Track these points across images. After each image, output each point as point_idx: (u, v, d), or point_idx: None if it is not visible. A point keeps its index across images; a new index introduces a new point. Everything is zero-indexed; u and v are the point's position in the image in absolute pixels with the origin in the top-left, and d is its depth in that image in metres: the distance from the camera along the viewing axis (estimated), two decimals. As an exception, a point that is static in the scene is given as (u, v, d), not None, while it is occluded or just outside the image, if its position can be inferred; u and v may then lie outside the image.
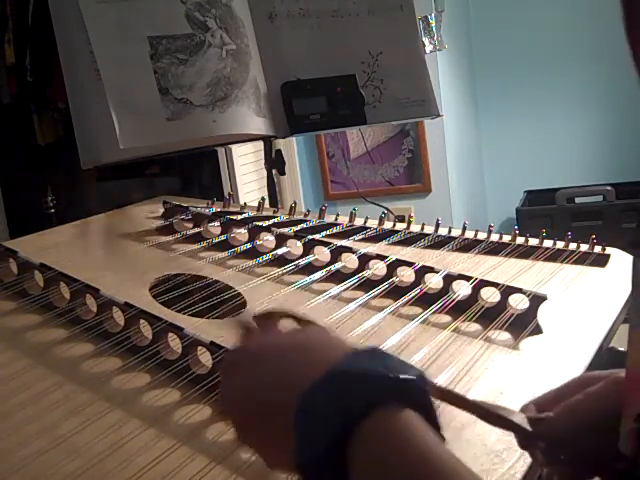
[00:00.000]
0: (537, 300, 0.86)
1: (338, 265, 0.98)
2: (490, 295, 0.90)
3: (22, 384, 0.66)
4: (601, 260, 1.13)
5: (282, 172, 1.56)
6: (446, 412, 0.50)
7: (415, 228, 1.18)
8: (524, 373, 0.76)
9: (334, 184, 3.29)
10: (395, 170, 3.22)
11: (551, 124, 3.73)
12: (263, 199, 1.21)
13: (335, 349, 0.48)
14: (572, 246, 1.16)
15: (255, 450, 0.50)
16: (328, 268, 0.97)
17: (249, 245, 1.03)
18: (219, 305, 0.82)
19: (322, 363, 0.45)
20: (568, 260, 1.12)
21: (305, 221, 1.14)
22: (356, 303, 0.88)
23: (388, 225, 1.18)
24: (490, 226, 1.17)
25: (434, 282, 0.92)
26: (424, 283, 0.92)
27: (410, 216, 1.21)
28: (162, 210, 1.14)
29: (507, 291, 0.89)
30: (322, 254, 1.00)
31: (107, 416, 0.62)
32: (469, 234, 1.17)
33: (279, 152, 1.55)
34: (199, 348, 0.69)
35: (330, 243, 1.01)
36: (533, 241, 1.17)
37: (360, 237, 1.12)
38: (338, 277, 0.95)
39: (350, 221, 1.17)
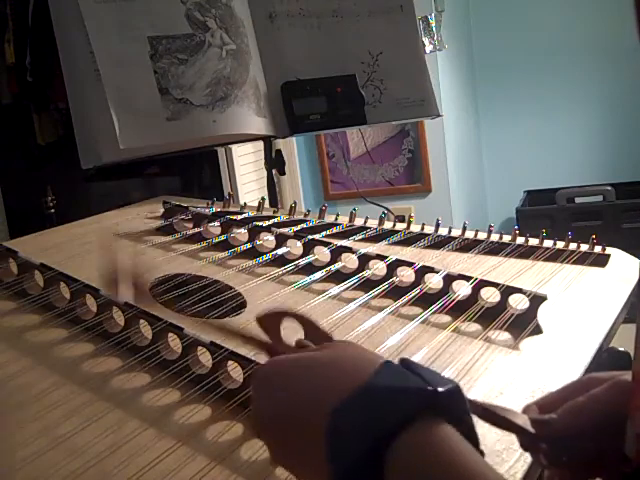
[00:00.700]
0: (537, 300, 0.86)
1: (338, 265, 0.98)
2: (490, 295, 0.90)
3: (22, 384, 0.66)
4: (601, 260, 1.13)
5: (282, 172, 1.56)
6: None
7: (415, 228, 1.18)
8: (524, 373, 0.76)
9: (334, 184, 3.30)
10: (395, 170, 3.22)
11: (551, 124, 3.74)
12: (263, 199, 1.21)
13: (366, 363, 0.47)
14: (572, 246, 1.16)
15: (289, 469, 0.49)
16: (328, 268, 0.97)
17: (249, 245, 1.03)
18: (219, 305, 0.82)
19: (354, 377, 0.44)
20: (568, 260, 1.12)
21: (305, 221, 1.14)
22: (356, 303, 0.88)
23: (388, 225, 1.18)
24: (490, 226, 1.17)
25: (434, 282, 0.92)
26: (424, 283, 0.92)
27: (410, 216, 1.21)
28: (162, 210, 1.14)
29: (507, 291, 0.89)
30: (322, 254, 1.00)
31: (107, 416, 0.62)
32: (469, 234, 1.16)
33: (279, 152, 1.55)
34: (199, 348, 0.69)
35: (330, 243, 1.01)
36: (533, 241, 1.17)
37: (360, 237, 1.12)
38: (338, 277, 0.95)
39: (350, 221, 1.17)
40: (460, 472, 0.39)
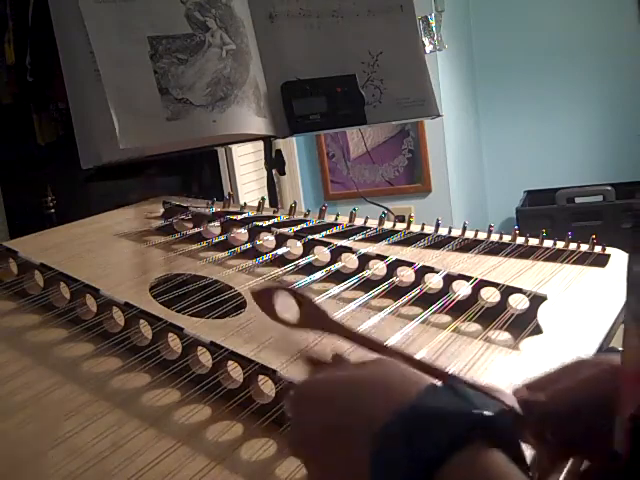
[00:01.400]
0: (537, 300, 0.86)
1: (338, 265, 0.98)
2: (490, 295, 0.90)
3: (22, 384, 0.66)
4: (601, 260, 1.13)
5: (282, 172, 1.56)
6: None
7: (415, 228, 1.18)
8: (524, 373, 0.76)
9: (334, 184, 3.29)
10: (395, 170, 3.22)
11: (551, 124, 3.74)
12: (263, 199, 1.21)
13: (411, 383, 0.45)
14: (572, 246, 1.16)
15: None
16: (328, 268, 0.97)
17: (249, 245, 1.03)
18: (219, 305, 0.82)
19: (399, 398, 0.43)
20: (568, 260, 1.12)
21: (305, 221, 1.14)
22: (356, 303, 0.88)
23: (388, 225, 1.18)
24: (490, 226, 1.17)
25: (434, 282, 0.92)
26: (424, 283, 0.92)
27: (410, 216, 1.21)
28: (162, 210, 1.14)
29: (507, 291, 0.89)
30: (322, 254, 1.00)
31: (107, 416, 0.62)
32: (469, 234, 1.17)
33: (279, 152, 1.55)
34: (199, 348, 0.69)
35: (330, 243, 1.01)
36: (533, 241, 1.17)
37: (360, 237, 1.12)
38: (338, 277, 0.95)
39: (350, 221, 1.17)
40: None
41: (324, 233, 1.10)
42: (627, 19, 3.55)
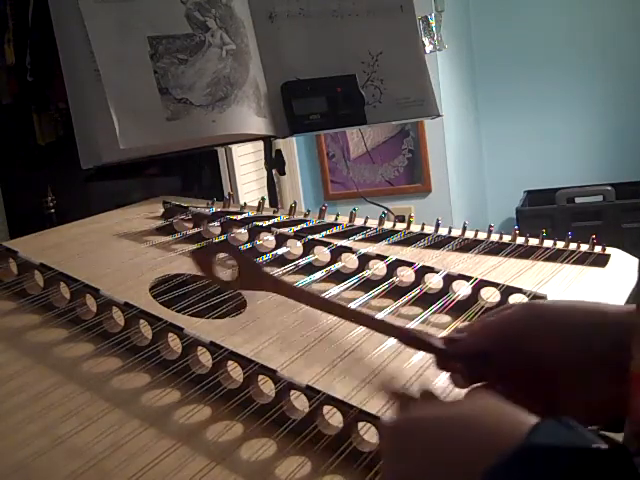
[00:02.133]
0: (537, 300, 0.86)
1: (338, 265, 0.98)
2: (490, 295, 0.90)
3: (22, 384, 0.66)
4: (601, 260, 1.13)
5: (282, 172, 1.56)
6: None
7: (415, 228, 1.18)
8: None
9: (334, 184, 3.29)
10: (395, 170, 3.22)
11: (551, 124, 3.74)
12: (263, 199, 1.21)
13: (515, 420, 0.43)
14: (572, 246, 1.16)
15: None
16: (328, 268, 0.97)
17: (249, 245, 1.03)
18: (219, 305, 0.82)
19: (506, 436, 0.40)
20: (568, 260, 1.12)
21: (305, 221, 1.14)
22: (356, 303, 0.88)
23: (388, 225, 1.18)
24: (490, 226, 1.17)
25: (434, 282, 0.92)
26: (424, 283, 0.92)
27: (410, 216, 1.21)
28: (162, 210, 1.14)
29: (507, 291, 0.89)
30: (322, 254, 1.00)
31: (107, 416, 0.62)
32: (469, 234, 1.16)
33: (279, 152, 1.55)
34: (199, 348, 0.69)
35: (330, 243, 1.01)
36: (533, 241, 1.17)
37: (360, 237, 1.12)
38: (338, 277, 0.95)
39: (350, 221, 1.17)
40: None
41: (324, 233, 1.10)
42: (628, 18, 3.55)
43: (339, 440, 0.60)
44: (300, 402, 0.63)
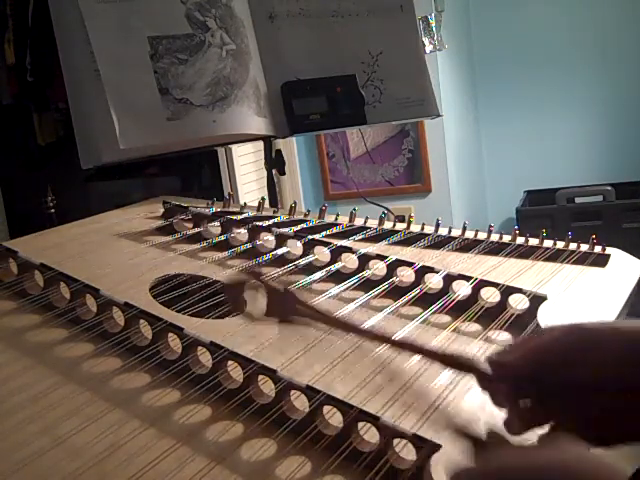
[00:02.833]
0: (537, 300, 0.86)
1: (338, 265, 0.98)
2: (490, 295, 0.90)
3: (22, 384, 0.66)
4: (601, 260, 1.13)
5: (282, 172, 1.56)
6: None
7: (415, 228, 1.18)
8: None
9: (334, 184, 3.29)
10: (395, 170, 3.22)
11: (551, 124, 3.74)
12: (263, 199, 1.21)
13: (610, 470, 0.43)
14: (572, 246, 1.16)
15: None
16: (328, 268, 0.97)
17: (249, 245, 1.03)
18: (219, 305, 0.82)
19: None
20: (568, 260, 1.12)
21: (305, 221, 1.14)
22: (356, 303, 0.88)
23: (388, 225, 1.18)
24: (490, 226, 1.17)
25: (434, 282, 0.92)
26: (424, 283, 0.92)
27: (410, 216, 1.21)
28: (162, 210, 1.14)
29: (507, 291, 0.89)
30: (322, 254, 1.00)
31: (107, 416, 0.62)
32: (469, 234, 1.16)
33: (279, 152, 1.55)
34: (199, 348, 0.69)
35: (330, 243, 1.01)
36: (533, 241, 1.17)
37: (360, 237, 1.12)
38: (338, 277, 0.95)
39: (350, 221, 1.17)
40: None
41: (324, 233, 1.10)
42: (628, 18, 3.55)
43: (339, 440, 0.60)
44: (300, 402, 0.63)
